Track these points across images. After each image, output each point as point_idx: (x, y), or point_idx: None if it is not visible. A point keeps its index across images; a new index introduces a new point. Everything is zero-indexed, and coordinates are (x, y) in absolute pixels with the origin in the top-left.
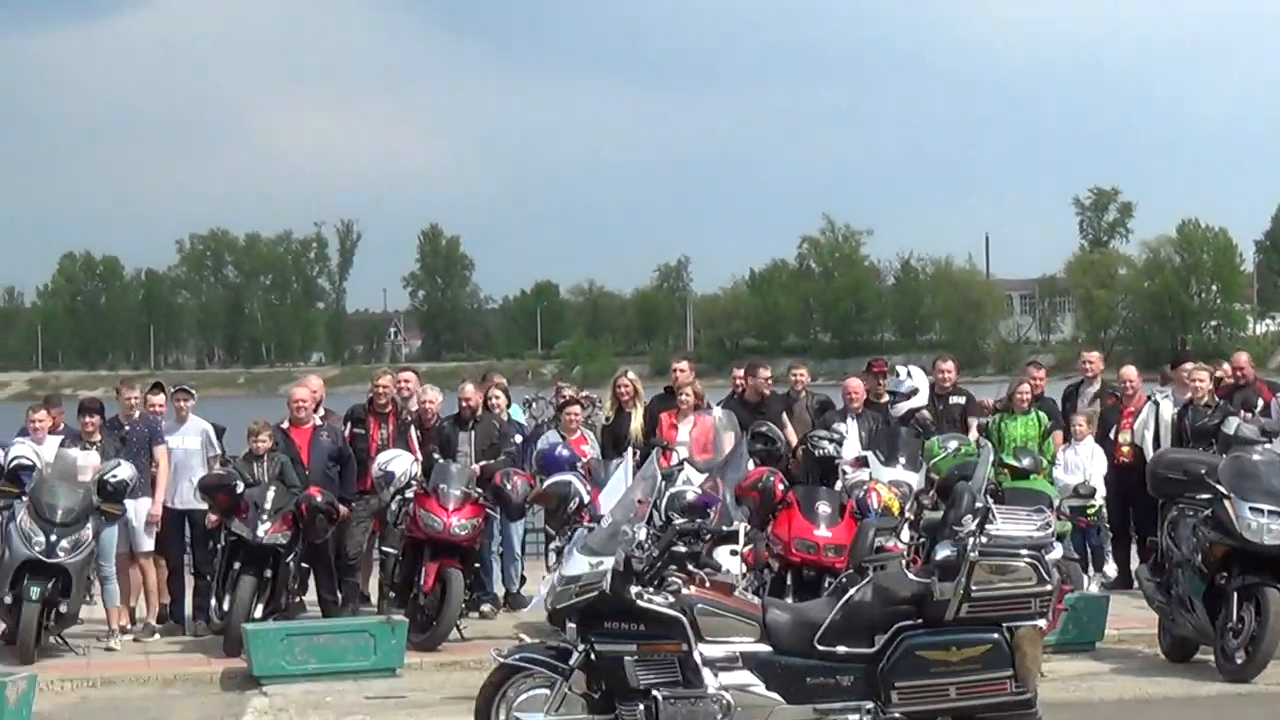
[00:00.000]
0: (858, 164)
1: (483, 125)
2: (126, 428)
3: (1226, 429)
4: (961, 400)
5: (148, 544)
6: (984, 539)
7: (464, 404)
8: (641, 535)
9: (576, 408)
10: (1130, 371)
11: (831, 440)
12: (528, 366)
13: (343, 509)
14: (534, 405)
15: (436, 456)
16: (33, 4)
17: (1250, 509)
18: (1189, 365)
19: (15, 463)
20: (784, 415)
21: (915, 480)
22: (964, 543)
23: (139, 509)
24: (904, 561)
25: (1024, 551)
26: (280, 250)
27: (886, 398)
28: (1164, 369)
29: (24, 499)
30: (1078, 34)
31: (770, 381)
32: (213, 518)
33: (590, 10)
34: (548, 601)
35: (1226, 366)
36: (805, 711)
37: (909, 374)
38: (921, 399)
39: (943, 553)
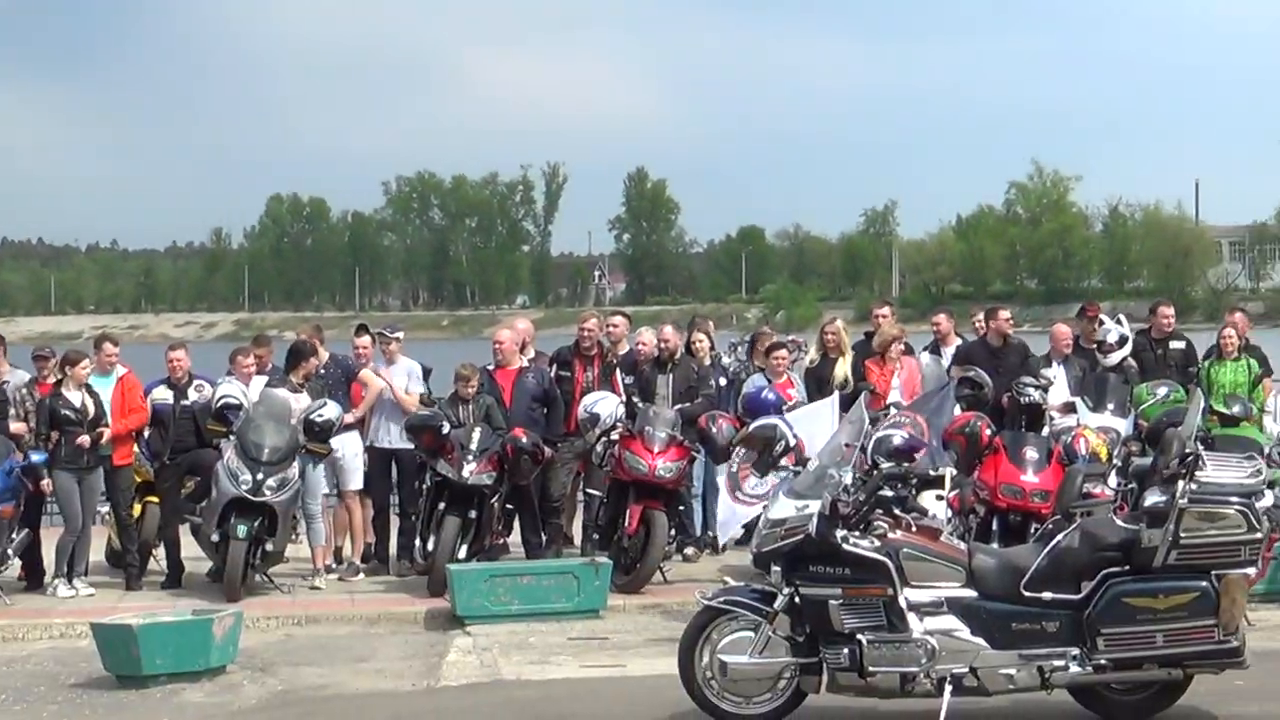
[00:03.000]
0: (1066, 110)
1: (689, 70)
2: (321, 370)
3: None
4: (1182, 345)
5: (355, 483)
6: (1194, 486)
7: (662, 346)
8: (848, 479)
9: (783, 351)
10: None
11: (1037, 387)
12: (731, 311)
13: (548, 450)
14: (738, 350)
15: (634, 399)
16: None
17: None
18: None
19: (222, 402)
20: (1028, 362)
21: (1123, 426)
22: (1173, 489)
23: (345, 447)
24: (1111, 508)
25: (1234, 499)
26: (486, 193)
27: (1096, 346)
28: None
29: (231, 438)
30: None
31: (1011, 324)
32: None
33: None
34: (753, 544)
35: None
36: (1010, 657)
37: (1119, 321)
38: (1129, 348)
39: (1151, 499)
